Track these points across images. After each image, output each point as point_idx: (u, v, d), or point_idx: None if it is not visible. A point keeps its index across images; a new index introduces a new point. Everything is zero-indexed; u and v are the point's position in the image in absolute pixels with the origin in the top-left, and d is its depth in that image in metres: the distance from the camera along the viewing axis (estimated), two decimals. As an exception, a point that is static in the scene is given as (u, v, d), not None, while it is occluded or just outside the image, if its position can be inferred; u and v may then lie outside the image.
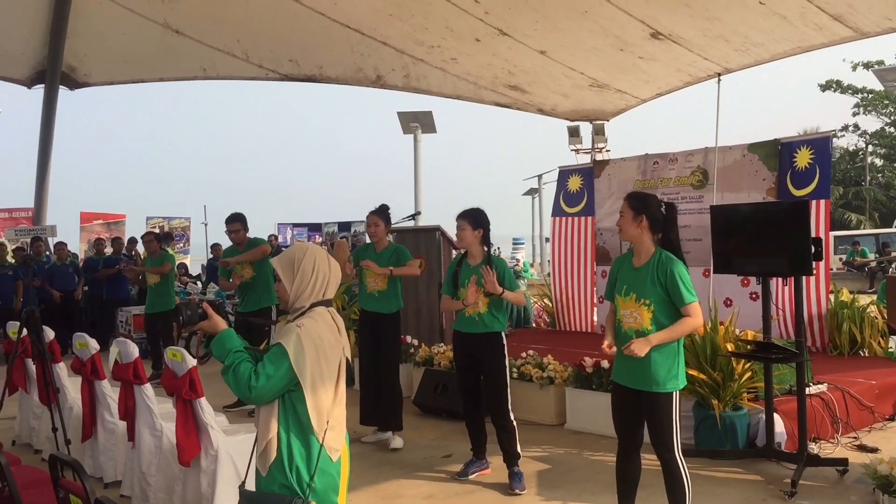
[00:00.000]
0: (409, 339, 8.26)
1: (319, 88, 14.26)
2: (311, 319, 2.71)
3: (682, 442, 4.03)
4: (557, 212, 10.74)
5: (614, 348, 4.07)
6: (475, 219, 5.39)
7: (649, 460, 4.25)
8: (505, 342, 5.37)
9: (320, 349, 2.65)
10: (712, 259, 5.98)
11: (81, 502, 2.36)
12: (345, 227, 19.00)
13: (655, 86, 11.79)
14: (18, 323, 6.16)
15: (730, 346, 5.80)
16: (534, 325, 11.69)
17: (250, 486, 2.78)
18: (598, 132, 14.78)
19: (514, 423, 5.34)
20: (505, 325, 5.41)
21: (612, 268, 4.26)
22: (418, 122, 18.80)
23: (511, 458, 5.28)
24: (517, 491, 5.13)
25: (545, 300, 11.49)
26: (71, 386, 6.07)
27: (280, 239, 17.98)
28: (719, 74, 9.60)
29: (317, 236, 19.28)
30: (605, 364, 6.42)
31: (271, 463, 2.63)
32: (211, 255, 13.91)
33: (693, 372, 5.69)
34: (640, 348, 3.82)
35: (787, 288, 7.58)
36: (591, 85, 11.96)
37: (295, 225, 19.83)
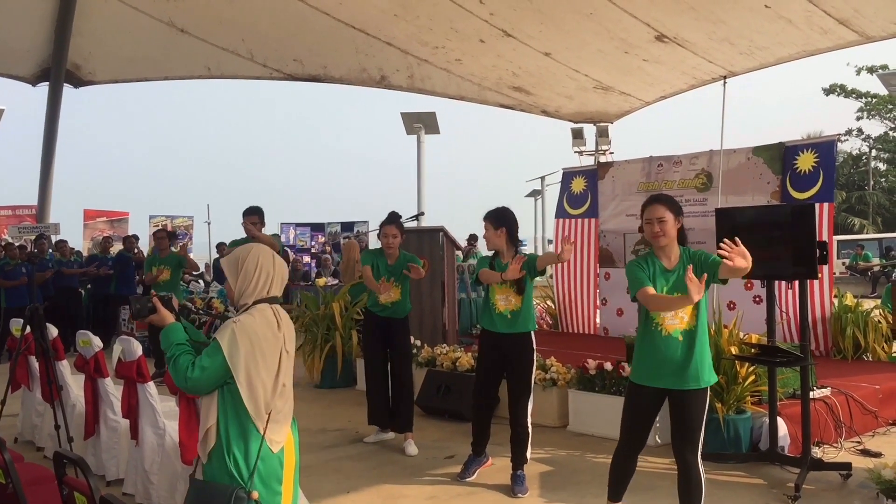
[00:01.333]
0: (412, 339, 8.25)
1: (323, 88, 14.29)
2: (248, 315, 2.81)
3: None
4: (561, 213, 10.74)
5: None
6: (496, 218, 5.33)
7: (651, 463, 4.25)
8: (534, 341, 5.34)
9: (255, 343, 2.74)
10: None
11: (86, 500, 2.35)
12: (347, 227, 19.00)
13: (660, 88, 11.77)
14: (22, 320, 6.15)
15: (734, 350, 5.79)
16: (536, 326, 11.68)
17: (200, 474, 2.87)
18: (602, 134, 14.78)
19: (530, 428, 5.30)
20: (535, 324, 5.39)
21: (638, 266, 3.98)
22: (422, 123, 18.81)
23: (518, 462, 5.26)
24: (518, 495, 5.11)
25: (548, 301, 11.48)
26: (74, 383, 6.06)
27: (283, 238, 17.98)
28: (725, 77, 9.58)
29: (319, 236, 19.28)
30: (608, 366, 6.41)
31: (210, 449, 2.74)
32: (217, 255, 13.91)
33: (697, 375, 5.67)
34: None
35: (790, 291, 7.58)
36: (595, 87, 11.94)
37: (298, 225, 19.81)
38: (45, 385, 5.77)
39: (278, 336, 2.82)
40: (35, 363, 6.29)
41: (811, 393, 5.49)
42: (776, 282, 5.77)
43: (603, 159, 13.33)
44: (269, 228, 16.52)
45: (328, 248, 17.31)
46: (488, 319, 5.34)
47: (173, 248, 9.84)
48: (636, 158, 9.95)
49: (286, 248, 16.50)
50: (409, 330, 6.44)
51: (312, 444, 6.36)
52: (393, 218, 6.23)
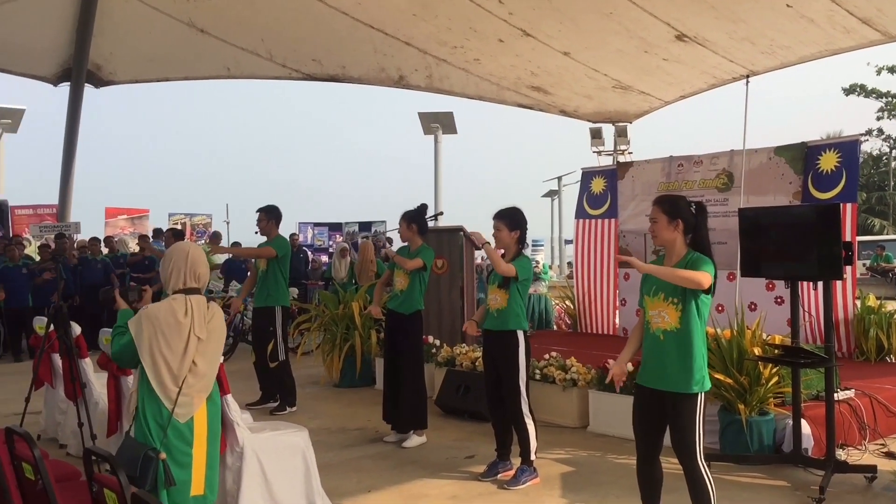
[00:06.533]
0: (430, 339, 8.25)
1: (342, 88, 14.28)
2: (157, 304, 3.30)
3: (706, 446, 3.99)
4: (581, 214, 10.70)
5: (623, 375, 4.19)
6: (512, 219, 5.40)
7: (672, 464, 4.21)
8: (521, 341, 5.33)
9: (157, 327, 3.20)
10: (739, 262, 5.93)
11: (116, 497, 2.36)
12: (365, 227, 19.01)
13: (679, 88, 11.71)
14: (46, 318, 6.20)
15: (757, 351, 5.75)
16: (555, 327, 11.65)
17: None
18: (621, 134, 14.72)
19: (530, 425, 5.32)
20: (522, 324, 5.37)
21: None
22: (439, 123, 18.84)
23: (522, 456, 5.33)
24: (507, 486, 5.22)
25: (567, 302, 11.44)
26: (96, 381, 6.09)
27: (301, 238, 18.01)
28: (747, 77, 9.51)
29: (337, 236, 19.30)
30: (629, 367, 6.36)
31: (132, 413, 3.25)
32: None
33: (719, 376, 5.64)
34: (637, 263, 3.82)
35: (814, 292, 7.51)
36: (614, 86, 11.89)
37: (316, 224, 19.84)
38: (68, 383, 5.82)
39: (182, 322, 3.22)
40: (58, 361, 6.33)
41: (835, 395, 5.44)
42: (799, 282, 5.72)
43: (622, 159, 13.27)
44: (288, 228, 16.53)
45: (345, 251, 17.25)
46: (485, 317, 5.54)
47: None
48: (656, 158, 9.91)
49: (304, 248, 16.53)
50: (416, 327, 6.43)
51: (332, 443, 6.38)
52: (403, 214, 6.49)
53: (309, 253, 16.86)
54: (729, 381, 5.67)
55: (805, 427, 5.51)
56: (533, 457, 5.32)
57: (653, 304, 3.97)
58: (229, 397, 4.53)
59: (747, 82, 9.32)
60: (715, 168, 9.10)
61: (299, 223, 19.30)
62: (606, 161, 15.02)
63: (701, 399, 3.90)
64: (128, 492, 2.29)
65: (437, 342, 8.30)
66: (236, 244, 14.13)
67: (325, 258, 18.41)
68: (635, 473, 4.27)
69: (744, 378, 5.66)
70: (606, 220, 10.32)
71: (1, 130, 15.46)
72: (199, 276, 3.37)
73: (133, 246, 13.36)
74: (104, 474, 2.55)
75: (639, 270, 3.85)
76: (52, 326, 6.01)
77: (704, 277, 3.77)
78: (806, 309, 7.62)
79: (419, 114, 18.59)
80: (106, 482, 2.44)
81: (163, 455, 3.08)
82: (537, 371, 7.00)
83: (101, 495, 2.46)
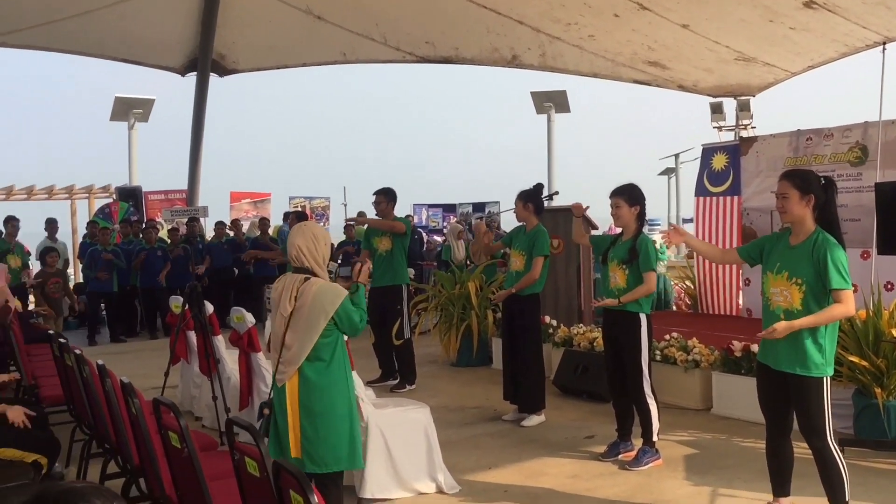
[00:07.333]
0: (548, 319, 8.22)
1: (453, 72, 14.39)
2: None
3: (840, 430, 3.85)
4: (701, 191, 10.38)
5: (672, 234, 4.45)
6: (631, 195, 5.32)
7: (803, 448, 4.07)
8: (643, 323, 5.25)
9: (272, 304, 3.71)
10: (876, 239, 5.63)
11: (257, 465, 2.48)
12: (479, 207, 19.06)
13: (807, 58, 11.16)
14: (182, 298, 6.54)
15: (895, 332, 5.46)
16: (674, 308, 11.39)
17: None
18: (743, 108, 14.17)
19: (653, 405, 5.24)
20: (645, 307, 5.28)
21: (765, 237, 4.16)
22: (552, 102, 18.61)
23: (644, 437, 5.27)
24: (628, 467, 5.16)
25: (686, 282, 11.16)
26: (229, 358, 6.38)
27: (416, 219, 18.24)
28: (883, 44, 8.96)
29: (451, 217, 19.45)
30: (754, 348, 6.18)
31: None
32: (344, 237, 14.29)
33: (854, 358, 5.39)
34: (782, 331, 3.68)
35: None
36: (736, 59, 11.45)
37: (430, 206, 20.06)
38: (202, 359, 6.12)
39: (273, 298, 3.68)
40: (193, 338, 6.67)
41: (983, 379, 5.11)
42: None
43: (745, 134, 12.78)
44: (403, 210, 16.81)
45: (461, 232, 17.40)
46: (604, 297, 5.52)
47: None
48: (782, 132, 9.48)
49: (419, 229, 16.74)
50: (533, 309, 6.40)
51: (451, 421, 6.47)
52: (519, 193, 6.47)
53: (423, 234, 17.06)
54: (864, 363, 5.41)
55: (949, 413, 5.21)
56: (655, 438, 5.25)
57: (775, 281, 3.86)
58: (353, 373, 4.66)
59: (884, 49, 8.78)
60: (847, 141, 8.64)
61: (414, 205, 19.54)
62: (727, 137, 14.50)
63: (825, 382, 3.77)
64: (268, 461, 2.40)
65: (554, 322, 8.27)
66: (349, 226, 14.42)
67: (438, 239, 18.60)
68: (763, 458, 4.17)
69: (880, 361, 5.39)
70: (728, 198, 9.98)
71: (133, 120, 16.29)
72: (295, 258, 3.65)
73: (256, 230, 13.90)
74: (244, 444, 2.68)
75: (787, 331, 3.70)
76: (187, 305, 6.33)
77: (848, 307, 3.69)
78: (949, 288, 7.19)
79: (532, 93, 18.43)
80: (246, 451, 2.57)
81: (266, 410, 3.57)
82: (658, 352, 6.88)
83: (242, 463, 2.59)
